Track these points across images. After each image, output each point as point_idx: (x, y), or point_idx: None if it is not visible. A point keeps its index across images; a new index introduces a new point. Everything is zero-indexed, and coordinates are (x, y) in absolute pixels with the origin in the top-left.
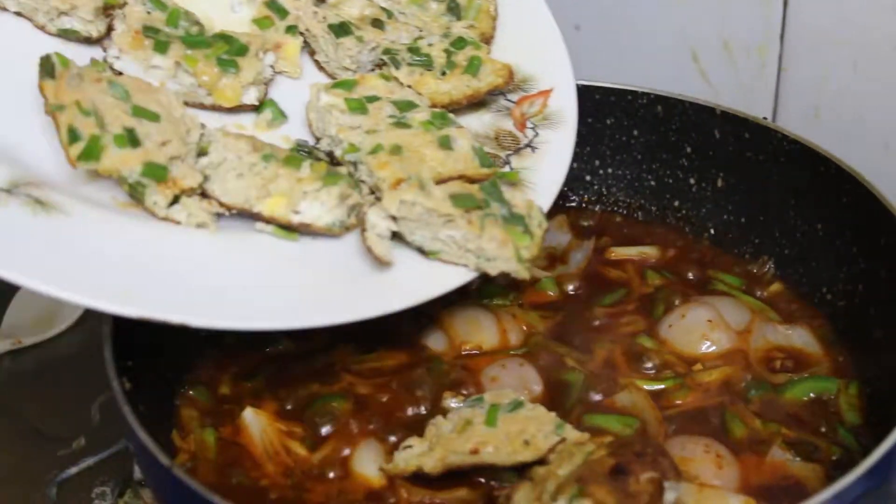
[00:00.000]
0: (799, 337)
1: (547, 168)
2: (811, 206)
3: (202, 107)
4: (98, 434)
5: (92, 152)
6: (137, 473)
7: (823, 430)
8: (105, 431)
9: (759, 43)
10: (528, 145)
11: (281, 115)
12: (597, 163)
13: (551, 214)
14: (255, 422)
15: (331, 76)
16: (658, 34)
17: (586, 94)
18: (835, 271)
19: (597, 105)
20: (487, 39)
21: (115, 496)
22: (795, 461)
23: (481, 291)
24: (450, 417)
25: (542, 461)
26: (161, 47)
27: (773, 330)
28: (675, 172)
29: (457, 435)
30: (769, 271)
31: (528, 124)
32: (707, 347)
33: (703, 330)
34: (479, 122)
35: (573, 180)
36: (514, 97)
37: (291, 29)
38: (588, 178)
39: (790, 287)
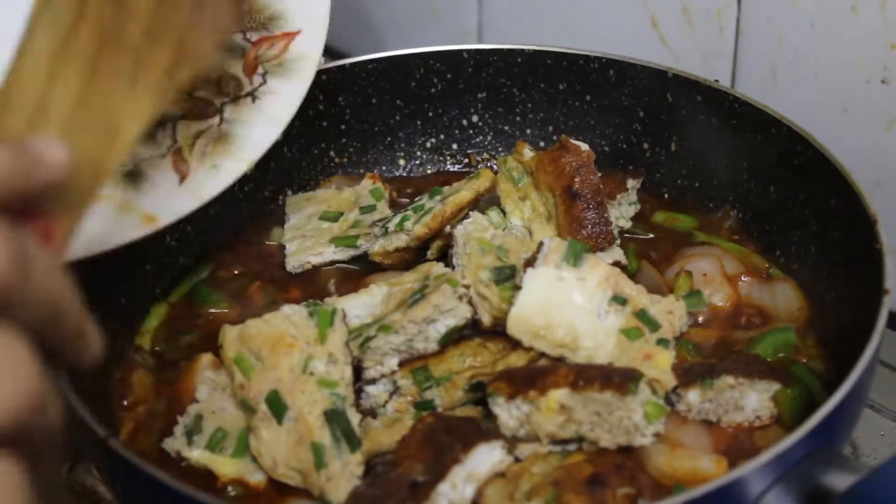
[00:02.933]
0: (782, 292)
1: (258, 127)
2: (764, 168)
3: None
4: None
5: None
6: None
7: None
8: None
9: (718, 6)
10: (249, 94)
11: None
12: (550, 129)
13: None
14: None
15: None
16: (617, 1)
17: (538, 60)
18: (788, 234)
19: (548, 70)
20: None
21: (65, 471)
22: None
23: None
24: (380, 418)
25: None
26: None
27: (758, 288)
28: (629, 137)
29: (384, 429)
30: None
31: (259, 69)
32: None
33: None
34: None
35: None
36: (255, 37)
37: None
38: (542, 144)
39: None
